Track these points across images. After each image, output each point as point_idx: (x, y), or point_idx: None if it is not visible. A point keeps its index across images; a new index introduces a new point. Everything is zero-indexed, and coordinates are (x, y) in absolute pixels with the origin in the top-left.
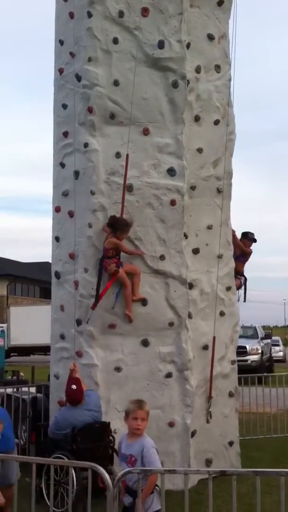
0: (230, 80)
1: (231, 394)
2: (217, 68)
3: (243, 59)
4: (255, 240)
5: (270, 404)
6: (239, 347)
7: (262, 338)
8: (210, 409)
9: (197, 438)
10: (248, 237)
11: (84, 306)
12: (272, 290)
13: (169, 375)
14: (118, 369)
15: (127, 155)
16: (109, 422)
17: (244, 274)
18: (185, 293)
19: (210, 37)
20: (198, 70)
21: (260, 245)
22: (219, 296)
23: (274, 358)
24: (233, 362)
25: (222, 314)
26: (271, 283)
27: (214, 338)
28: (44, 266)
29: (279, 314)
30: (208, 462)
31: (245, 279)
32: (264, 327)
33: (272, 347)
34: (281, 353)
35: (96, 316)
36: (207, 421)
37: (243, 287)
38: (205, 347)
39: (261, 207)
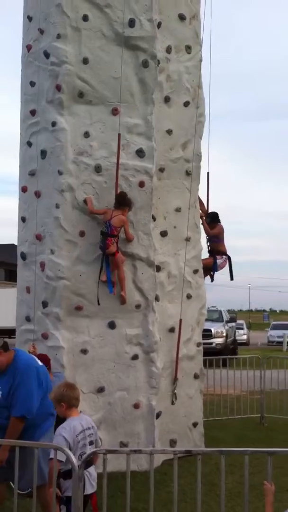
0: (200, 61)
1: (196, 376)
2: (188, 48)
3: (215, 39)
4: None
5: (234, 386)
6: (204, 330)
7: (227, 322)
8: (175, 391)
9: (162, 419)
10: (217, 219)
11: (51, 287)
12: (237, 275)
13: (135, 357)
14: (84, 351)
15: (119, 135)
16: None
17: (227, 253)
18: (152, 276)
19: (181, 17)
20: (168, 50)
21: (227, 229)
22: (186, 279)
23: (238, 341)
24: (198, 345)
25: (189, 297)
26: (237, 267)
27: (180, 320)
28: (9, 248)
29: (244, 298)
30: (173, 443)
31: (229, 258)
32: (229, 311)
33: (237, 330)
34: (245, 336)
35: (62, 298)
36: (172, 403)
37: (228, 267)
38: (172, 330)
39: (233, 189)
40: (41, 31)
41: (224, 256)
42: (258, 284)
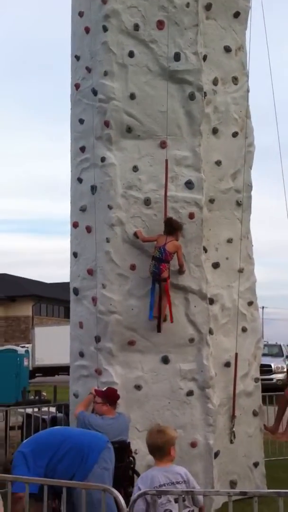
0: (248, 91)
1: (255, 413)
2: (235, 80)
3: (261, 70)
4: None
5: None
6: (264, 366)
7: (287, 356)
8: (234, 429)
9: (221, 459)
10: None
11: (103, 322)
12: None
13: (190, 393)
14: (138, 387)
15: (166, 161)
16: (129, 442)
17: None
18: (205, 308)
19: (227, 49)
20: (215, 82)
21: (280, 262)
22: (241, 312)
23: None
24: (256, 380)
25: (244, 330)
26: None
27: (236, 354)
28: (68, 287)
29: None
30: (233, 484)
31: None
32: None
33: None
34: None
35: (115, 333)
36: (231, 441)
37: None
38: (227, 364)
39: (278, 222)
40: (89, 70)
41: None
42: None
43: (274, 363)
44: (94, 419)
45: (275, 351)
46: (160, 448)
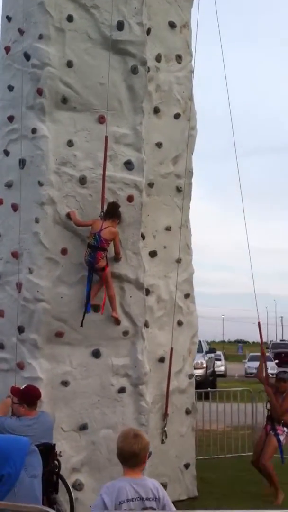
0: (192, 72)
1: (188, 411)
2: (179, 58)
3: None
4: None
5: (218, 421)
6: None
7: (207, 352)
8: (166, 428)
9: (151, 460)
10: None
11: (28, 311)
12: (212, 306)
13: (122, 390)
14: (65, 383)
15: (106, 137)
16: (54, 444)
17: None
18: (142, 299)
19: (172, 25)
20: (158, 58)
21: (201, 261)
22: (177, 304)
23: (216, 373)
24: (190, 376)
25: (180, 323)
26: (211, 298)
27: (171, 349)
28: None
29: (216, 329)
30: (163, 487)
31: None
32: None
33: (215, 362)
34: (222, 368)
35: (41, 322)
36: (162, 441)
37: None
38: (161, 360)
39: (204, 223)
40: (21, 32)
41: None
42: (231, 315)
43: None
44: (9, 422)
45: None
46: (136, 455)
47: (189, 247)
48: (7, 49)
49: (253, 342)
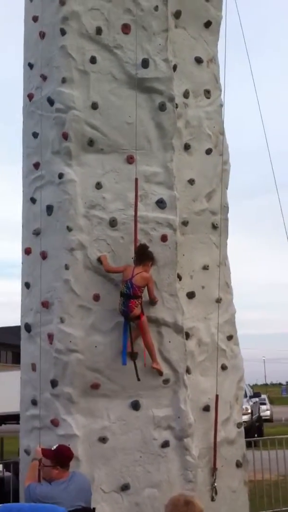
0: (221, 106)
1: (238, 464)
2: (207, 93)
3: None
4: None
5: (269, 469)
6: None
7: (251, 397)
8: (215, 484)
9: None
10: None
11: (61, 363)
12: (251, 348)
13: (165, 444)
14: (103, 439)
15: (136, 179)
16: (93, 508)
17: None
18: (181, 344)
19: (198, 60)
20: (186, 95)
21: (238, 301)
22: (220, 347)
23: (263, 418)
24: (239, 425)
25: (224, 367)
26: (250, 339)
27: (217, 396)
28: (16, 331)
29: (257, 371)
30: None
31: None
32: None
33: (260, 406)
34: (268, 412)
35: (75, 375)
36: (212, 499)
37: None
38: (206, 408)
39: (241, 262)
40: (44, 77)
41: None
42: (272, 356)
43: None
44: (41, 489)
45: None
46: None
47: (229, 285)
48: (30, 96)
49: None
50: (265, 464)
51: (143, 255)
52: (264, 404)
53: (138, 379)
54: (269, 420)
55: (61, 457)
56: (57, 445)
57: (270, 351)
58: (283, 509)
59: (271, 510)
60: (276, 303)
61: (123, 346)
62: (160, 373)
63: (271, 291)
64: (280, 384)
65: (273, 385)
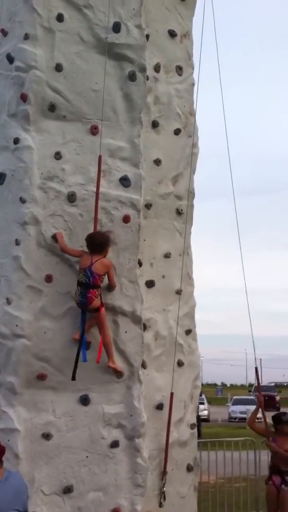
0: (193, 85)
1: (189, 468)
2: (179, 69)
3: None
4: None
5: (208, 472)
6: None
7: None
8: (164, 489)
9: None
10: None
11: (5, 349)
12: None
13: (115, 444)
14: (47, 436)
15: (100, 156)
16: None
17: None
18: (139, 335)
19: (172, 34)
20: (157, 69)
21: None
22: (178, 342)
23: (200, 417)
24: (192, 426)
25: (180, 364)
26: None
27: (171, 394)
28: None
29: None
30: None
31: None
32: None
33: (198, 405)
34: (206, 412)
35: (20, 363)
36: (160, 505)
37: None
38: (159, 406)
39: None
40: (4, 33)
41: None
42: (208, 357)
43: None
44: None
45: None
46: None
47: (191, 276)
48: None
49: (231, 385)
50: (204, 466)
51: (95, 244)
52: (203, 403)
53: (73, 379)
54: (206, 419)
55: None
56: None
57: (207, 352)
58: None
59: None
60: (215, 305)
61: (82, 342)
62: (119, 374)
63: (212, 293)
64: (215, 384)
65: (208, 385)
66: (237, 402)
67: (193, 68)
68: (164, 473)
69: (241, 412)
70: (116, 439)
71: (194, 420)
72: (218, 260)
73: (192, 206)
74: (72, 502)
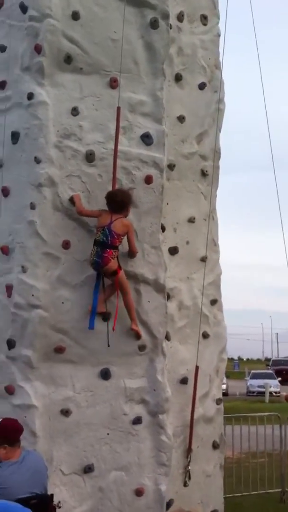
0: (219, 35)
1: (215, 445)
2: (204, 19)
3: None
4: None
5: (232, 446)
6: None
7: None
8: (189, 467)
9: (172, 509)
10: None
11: (20, 320)
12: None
13: (137, 421)
14: (66, 412)
15: (118, 108)
16: (51, 495)
17: None
18: (162, 305)
19: None
20: (180, 18)
21: None
22: (203, 312)
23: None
24: (218, 402)
25: (205, 336)
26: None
27: (197, 368)
28: None
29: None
30: None
31: None
32: None
33: None
34: (224, 386)
35: (37, 335)
36: (185, 484)
37: None
38: (184, 381)
39: None
40: None
41: None
42: (228, 331)
43: None
44: None
45: None
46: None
47: (216, 243)
48: (0, 4)
49: (248, 359)
50: (228, 441)
51: (116, 204)
52: None
53: (108, 345)
54: (225, 394)
55: (7, 433)
56: (0, 419)
57: (227, 326)
58: (252, 493)
59: (239, 494)
60: (232, 281)
61: (92, 307)
62: (138, 336)
63: (228, 269)
64: (232, 359)
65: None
66: (255, 376)
67: (218, 18)
68: (189, 450)
69: (259, 386)
70: (138, 415)
71: (220, 395)
72: (235, 235)
73: (218, 167)
74: (93, 482)
